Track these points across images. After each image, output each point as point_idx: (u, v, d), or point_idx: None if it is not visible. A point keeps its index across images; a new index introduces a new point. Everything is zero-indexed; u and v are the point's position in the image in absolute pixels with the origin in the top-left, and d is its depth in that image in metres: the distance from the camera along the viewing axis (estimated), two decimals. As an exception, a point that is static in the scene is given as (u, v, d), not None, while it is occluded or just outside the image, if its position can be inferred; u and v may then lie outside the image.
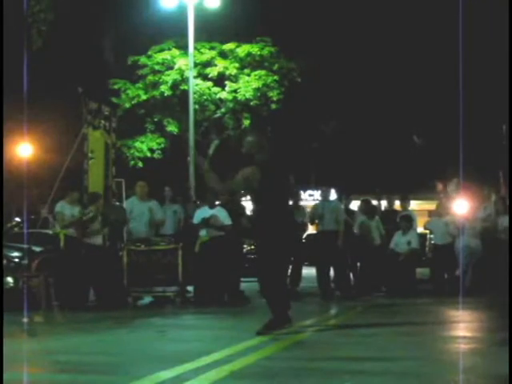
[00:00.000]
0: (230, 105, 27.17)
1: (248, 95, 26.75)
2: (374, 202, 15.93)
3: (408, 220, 14.56)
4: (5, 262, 11.93)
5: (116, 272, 12.30)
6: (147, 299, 12.91)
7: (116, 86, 27.08)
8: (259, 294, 9.11)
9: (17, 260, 12.26)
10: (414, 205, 25.12)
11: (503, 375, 5.27)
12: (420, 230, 16.57)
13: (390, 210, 15.76)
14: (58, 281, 11.71)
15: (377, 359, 6.30)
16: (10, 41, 16.25)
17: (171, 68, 26.94)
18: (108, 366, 6.11)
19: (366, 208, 15.04)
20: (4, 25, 14.79)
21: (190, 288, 13.08)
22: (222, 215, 12.60)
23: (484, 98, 28.80)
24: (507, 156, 15.31)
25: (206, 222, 12.52)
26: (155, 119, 27.74)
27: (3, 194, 14.98)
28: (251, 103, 26.99)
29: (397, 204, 15.95)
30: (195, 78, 25.81)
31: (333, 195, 14.91)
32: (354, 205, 16.04)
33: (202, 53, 26.94)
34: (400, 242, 14.34)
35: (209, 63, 27.15)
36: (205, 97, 26.85)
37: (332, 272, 14.17)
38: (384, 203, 16.18)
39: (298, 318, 8.54)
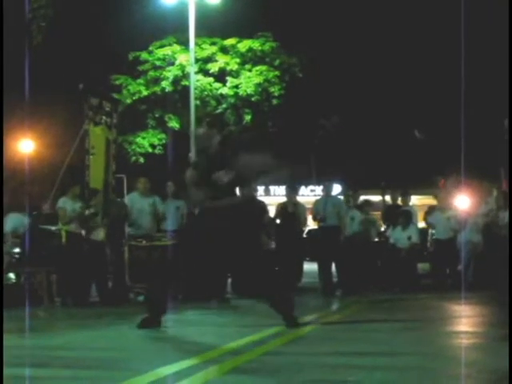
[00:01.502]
0: (231, 100, 27.13)
1: (249, 91, 26.71)
2: (379, 198, 15.92)
3: (407, 215, 14.55)
4: (7, 257, 11.93)
5: (118, 268, 12.31)
6: (149, 295, 12.89)
7: (117, 82, 27.05)
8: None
9: (18, 256, 12.27)
10: (415, 200, 25.09)
11: (504, 370, 5.27)
12: (421, 225, 16.55)
13: (394, 205, 15.75)
14: (59, 277, 11.72)
15: (379, 354, 6.30)
16: (11, 37, 16.24)
17: (172, 64, 26.91)
18: (110, 361, 6.11)
19: (362, 204, 15.07)
20: (4, 21, 14.78)
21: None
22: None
23: (486, 93, 28.76)
24: (507, 151, 15.26)
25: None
26: (156, 115, 27.70)
27: (5, 191, 14.96)
28: (252, 99, 26.95)
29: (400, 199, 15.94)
30: (196, 73, 25.79)
31: (337, 190, 14.88)
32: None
33: (202, 48, 26.91)
34: (400, 237, 14.33)
35: (210, 59, 27.12)
36: (206, 92, 26.81)
37: (334, 267, 14.17)
38: (388, 198, 16.17)
39: (300, 314, 8.54)
